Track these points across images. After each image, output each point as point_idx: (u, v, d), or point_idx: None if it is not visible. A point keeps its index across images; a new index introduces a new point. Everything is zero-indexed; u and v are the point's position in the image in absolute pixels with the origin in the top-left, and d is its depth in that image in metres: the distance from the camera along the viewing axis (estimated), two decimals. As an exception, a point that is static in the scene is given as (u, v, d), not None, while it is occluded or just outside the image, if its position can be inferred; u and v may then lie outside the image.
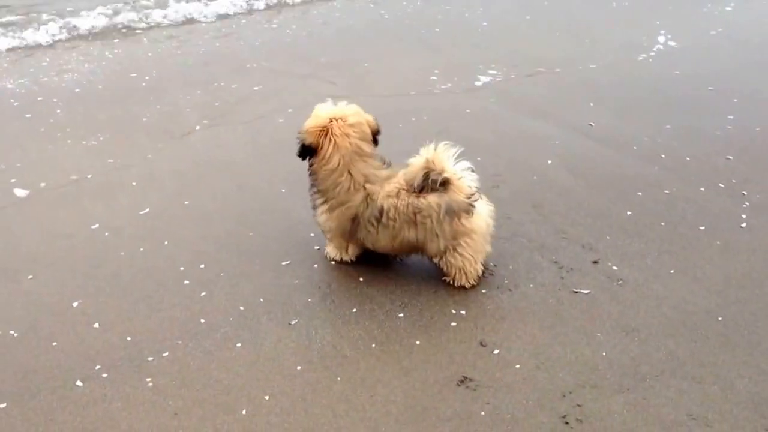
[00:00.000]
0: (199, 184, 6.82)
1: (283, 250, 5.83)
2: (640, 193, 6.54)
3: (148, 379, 4.68)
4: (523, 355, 4.81)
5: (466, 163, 5.16)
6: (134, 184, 6.82)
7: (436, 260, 5.32)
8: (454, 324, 5.07)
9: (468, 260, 5.25)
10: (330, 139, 5.16)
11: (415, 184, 5.06)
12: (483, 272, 5.46)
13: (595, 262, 5.67)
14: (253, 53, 10.11)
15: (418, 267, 5.60)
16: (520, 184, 6.70)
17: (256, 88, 8.90)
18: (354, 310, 5.21)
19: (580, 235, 5.99)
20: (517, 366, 4.73)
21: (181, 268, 5.68)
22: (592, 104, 8.31)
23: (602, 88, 8.79)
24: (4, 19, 11.02)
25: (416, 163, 5.06)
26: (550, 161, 7.08)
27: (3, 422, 4.39)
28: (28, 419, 4.42)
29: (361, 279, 5.51)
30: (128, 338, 5.02)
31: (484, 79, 9.09)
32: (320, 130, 5.18)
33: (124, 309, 5.29)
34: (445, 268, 5.34)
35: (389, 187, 5.20)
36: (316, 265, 5.68)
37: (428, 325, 5.08)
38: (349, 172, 5.22)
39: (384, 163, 5.34)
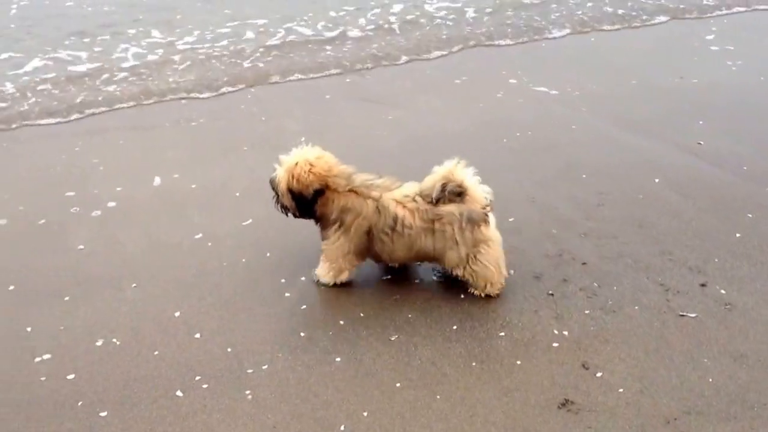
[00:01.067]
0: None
1: (381, 266, 5.79)
2: (750, 215, 6.30)
3: (248, 392, 4.70)
4: (627, 379, 4.68)
5: (478, 177, 5.25)
6: (237, 194, 6.87)
7: (458, 271, 5.36)
8: (556, 345, 4.96)
9: (490, 268, 5.29)
10: (315, 175, 5.26)
11: (434, 195, 5.17)
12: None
13: (702, 285, 5.48)
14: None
15: (520, 286, 5.50)
16: (625, 203, 6.52)
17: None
18: (454, 327, 5.14)
19: (687, 257, 5.80)
20: (621, 390, 4.59)
21: (282, 281, 5.70)
22: (701, 122, 8.05)
23: (711, 105, 8.50)
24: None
25: (434, 176, 5.20)
26: (657, 180, 6.88)
27: (104, 430, 4.45)
28: (128, 428, 4.49)
29: (462, 296, 5.44)
30: (228, 349, 5.04)
31: (584, 94, 8.91)
32: (305, 175, 5.26)
33: (225, 320, 5.33)
34: (470, 279, 5.36)
35: (398, 195, 5.29)
36: (417, 281, 5.62)
37: (529, 344, 4.98)
38: (351, 190, 5.31)
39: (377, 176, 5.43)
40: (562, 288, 5.49)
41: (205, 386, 4.75)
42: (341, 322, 5.24)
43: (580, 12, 11.59)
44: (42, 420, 4.54)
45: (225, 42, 10.63)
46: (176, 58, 10.10)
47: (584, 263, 5.74)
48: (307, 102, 8.84)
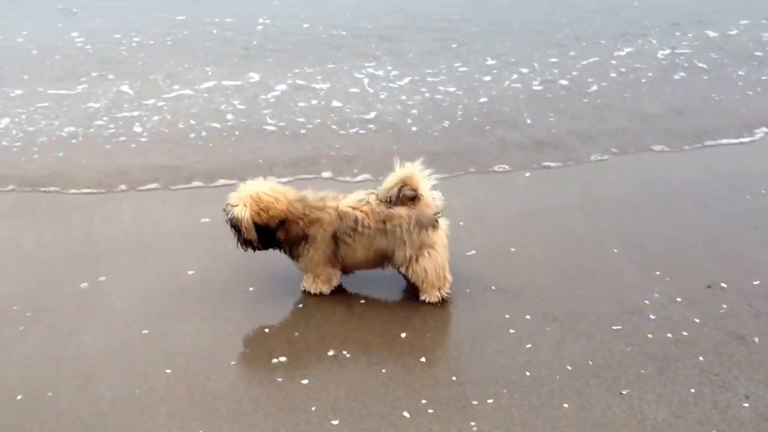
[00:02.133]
0: (526, 233, 6.80)
1: (613, 314, 5.67)
2: None
3: (473, 423, 4.68)
4: None
5: (433, 182, 5.62)
6: (461, 224, 6.89)
7: (402, 270, 5.72)
8: None
9: (431, 270, 5.62)
10: (282, 204, 5.51)
11: (390, 196, 5.51)
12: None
13: None
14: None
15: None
16: None
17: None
18: (692, 390, 4.93)
19: None
20: None
21: (507, 316, 5.66)
22: None
23: None
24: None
25: (392, 178, 5.51)
26: None
27: (336, 438, 4.57)
28: (356, 440, 4.57)
29: (700, 358, 5.22)
30: (453, 378, 5.05)
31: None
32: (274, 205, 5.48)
33: (449, 347, 5.36)
34: (412, 279, 5.71)
35: (353, 201, 5.64)
36: (650, 335, 5.46)
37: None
38: (307, 208, 5.59)
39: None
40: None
41: (430, 411, 4.77)
42: (569, 368, 5.15)
43: None
44: (279, 419, 4.69)
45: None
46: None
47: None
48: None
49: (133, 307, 5.77)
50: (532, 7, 13.22)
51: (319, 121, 9.02)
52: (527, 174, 7.89)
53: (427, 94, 9.93)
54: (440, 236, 5.66)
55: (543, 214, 7.15)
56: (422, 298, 5.80)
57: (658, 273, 6.18)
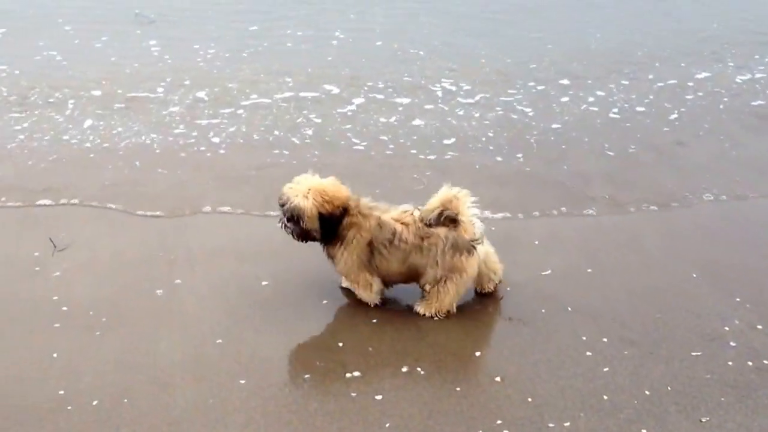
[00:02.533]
0: (604, 254, 6.69)
1: (693, 340, 5.55)
2: None
3: (549, 446, 4.60)
4: None
5: (476, 211, 5.58)
6: (536, 243, 6.82)
7: (427, 287, 5.69)
8: None
9: (450, 295, 5.65)
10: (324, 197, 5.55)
11: (430, 219, 5.51)
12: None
13: None
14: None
15: None
16: None
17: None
18: (777, 423, 4.80)
19: None
20: None
21: (584, 338, 5.58)
22: None
23: None
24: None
25: (435, 200, 5.52)
26: None
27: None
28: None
29: (785, 390, 5.09)
30: (528, 399, 4.99)
31: None
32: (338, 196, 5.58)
33: (524, 368, 5.28)
34: (429, 295, 5.71)
35: (397, 213, 5.66)
36: (730, 363, 5.33)
37: None
38: (356, 212, 5.62)
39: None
40: None
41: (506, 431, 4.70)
42: (647, 393, 5.05)
43: None
44: (354, 435, 4.68)
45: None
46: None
47: None
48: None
49: (208, 316, 5.80)
50: (609, 28, 13.02)
51: (402, 141, 8.87)
52: (606, 195, 7.74)
53: (501, 112, 9.80)
54: (471, 264, 5.63)
55: (620, 235, 7.02)
56: (418, 307, 5.83)
57: (738, 299, 6.05)
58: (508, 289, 6.15)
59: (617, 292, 6.15)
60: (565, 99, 10.28)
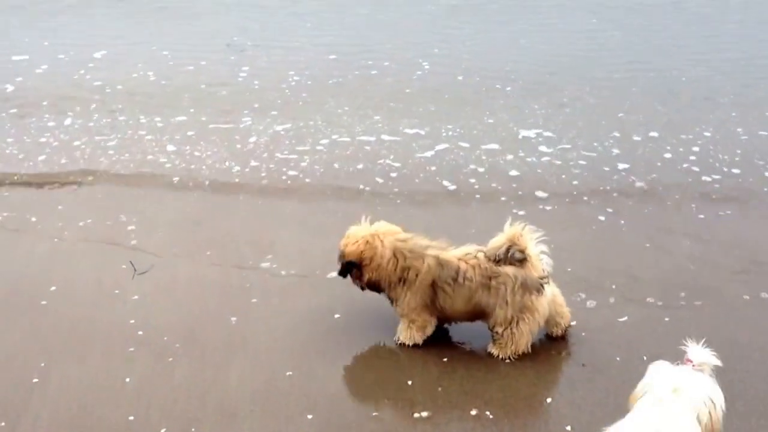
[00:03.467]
0: (684, 296, 6.51)
1: (772, 399, 5.35)
2: None
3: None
4: None
5: (543, 247, 5.57)
6: (614, 287, 6.68)
7: (498, 329, 5.59)
8: None
9: (525, 337, 5.58)
10: (372, 244, 5.63)
11: (497, 255, 5.47)
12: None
13: None
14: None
15: None
16: None
17: None
18: None
19: None
20: None
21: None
22: None
23: None
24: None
25: (501, 237, 5.49)
26: None
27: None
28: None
29: None
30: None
31: None
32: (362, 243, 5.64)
33: (597, 418, 5.13)
34: (503, 339, 5.61)
35: (459, 253, 5.64)
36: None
37: None
38: (402, 252, 5.65)
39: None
40: None
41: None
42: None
43: None
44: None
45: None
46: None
47: None
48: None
49: (279, 346, 5.85)
50: (695, 71, 12.61)
51: (494, 185, 8.67)
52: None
53: (592, 154, 9.43)
54: (542, 303, 5.56)
55: (699, 282, 6.80)
56: (492, 349, 5.75)
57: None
58: (583, 334, 6.03)
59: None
60: (650, 146, 10.02)
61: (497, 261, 5.50)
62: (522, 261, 5.50)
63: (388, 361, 5.73)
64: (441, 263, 5.60)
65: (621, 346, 5.90)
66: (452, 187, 8.55)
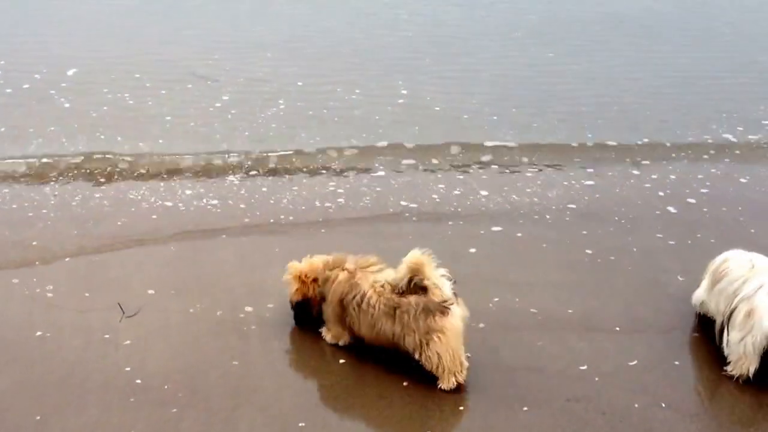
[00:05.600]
0: (692, 345, 6.45)
1: None
2: None
3: None
4: None
5: (443, 271, 5.66)
6: (617, 329, 6.57)
7: (416, 356, 5.68)
8: None
9: (444, 355, 5.60)
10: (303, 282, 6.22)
11: (401, 286, 5.63)
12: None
13: None
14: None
15: None
16: None
17: None
18: None
19: None
20: None
21: None
22: None
23: None
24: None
25: (403, 268, 5.63)
26: None
27: None
28: None
29: None
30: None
31: None
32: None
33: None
34: (426, 366, 5.68)
35: (376, 278, 5.86)
36: None
37: None
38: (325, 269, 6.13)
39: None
40: None
41: None
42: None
43: None
44: None
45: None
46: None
47: None
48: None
49: (288, 394, 5.61)
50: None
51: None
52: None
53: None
54: (451, 322, 5.62)
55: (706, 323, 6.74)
56: (440, 386, 5.71)
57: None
58: (596, 379, 5.90)
59: (710, 388, 5.89)
60: (703, 190, 9.96)
61: (401, 293, 5.65)
62: (425, 289, 5.60)
63: (401, 410, 5.55)
64: (351, 283, 5.89)
65: (636, 393, 5.82)
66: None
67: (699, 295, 6.63)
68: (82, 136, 10.02)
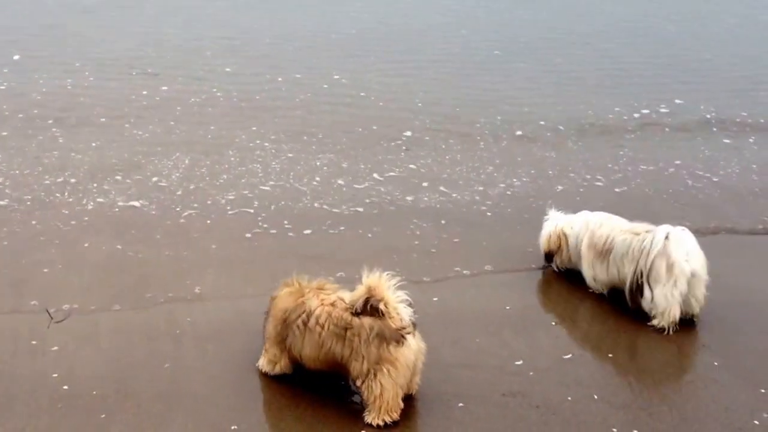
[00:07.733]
0: (624, 335, 6.52)
1: (729, 435, 5.34)
2: None
3: None
4: None
5: (403, 295, 5.23)
6: (553, 323, 6.62)
7: (358, 383, 5.26)
8: None
9: (388, 390, 5.16)
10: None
11: (357, 307, 5.18)
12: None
13: None
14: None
15: None
16: None
17: None
18: None
19: None
20: None
21: (614, 430, 5.36)
22: None
23: None
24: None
25: (361, 288, 5.21)
26: None
27: None
28: None
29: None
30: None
31: None
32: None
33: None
34: (365, 395, 5.25)
35: (326, 296, 5.44)
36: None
37: None
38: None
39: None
40: None
41: None
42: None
43: None
44: None
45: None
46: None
47: None
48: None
49: (220, 396, 5.55)
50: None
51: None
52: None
53: None
54: (404, 354, 5.19)
55: (630, 317, 6.77)
56: (366, 419, 5.31)
57: (763, 391, 5.84)
58: (531, 373, 5.93)
59: (643, 379, 5.95)
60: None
61: (357, 313, 5.23)
62: (381, 311, 5.18)
63: (336, 408, 5.50)
64: (298, 301, 5.48)
65: (569, 385, 5.84)
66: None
67: (588, 274, 6.90)
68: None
